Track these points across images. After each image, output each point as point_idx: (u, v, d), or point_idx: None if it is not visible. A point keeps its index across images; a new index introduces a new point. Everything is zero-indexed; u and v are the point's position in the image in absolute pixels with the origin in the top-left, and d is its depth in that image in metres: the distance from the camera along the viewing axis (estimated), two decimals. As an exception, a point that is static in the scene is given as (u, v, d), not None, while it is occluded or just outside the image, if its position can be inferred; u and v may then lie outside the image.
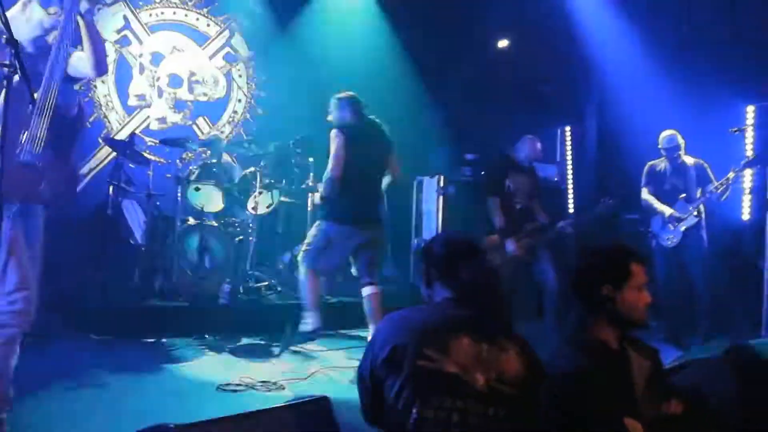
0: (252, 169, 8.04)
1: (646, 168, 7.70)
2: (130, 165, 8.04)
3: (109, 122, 9.22)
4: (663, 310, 7.30)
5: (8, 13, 3.38)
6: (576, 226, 7.19)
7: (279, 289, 8.12)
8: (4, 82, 2.81)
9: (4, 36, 2.79)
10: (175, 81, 9.64)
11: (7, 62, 2.79)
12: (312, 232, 6.31)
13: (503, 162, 7.24)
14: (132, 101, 9.39)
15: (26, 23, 3.53)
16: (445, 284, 2.83)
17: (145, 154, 8.34)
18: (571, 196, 9.72)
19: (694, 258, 7.33)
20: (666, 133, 7.53)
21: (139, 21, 9.41)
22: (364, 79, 9.43)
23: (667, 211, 7.38)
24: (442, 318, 2.69)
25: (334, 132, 6.09)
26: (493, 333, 2.65)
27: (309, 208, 8.50)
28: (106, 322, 6.75)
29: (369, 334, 5.93)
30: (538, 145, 7.30)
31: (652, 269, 7.29)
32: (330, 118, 6.30)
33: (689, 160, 7.49)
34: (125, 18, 9.33)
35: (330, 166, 6.02)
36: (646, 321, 3.12)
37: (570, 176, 9.82)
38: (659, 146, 7.57)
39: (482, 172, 8.30)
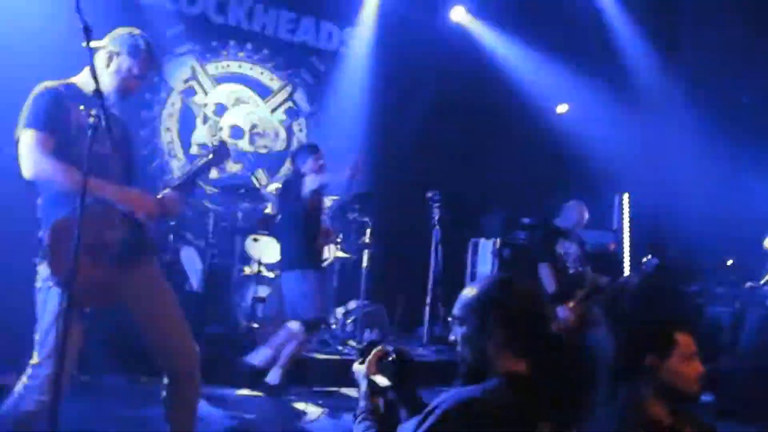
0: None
1: None
2: (189, 213, 8.13)
3: (171, 169, 9.40)
4: (735, 381, 7.05)
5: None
6: (641, 277, 7.05)
7: (330, 343, 8.06)
8: (90, 131, 2.91)
9: (93, 88, 2.92)
10: (236, 132, 9.82)
11: (94, 112, 2.91)
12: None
13: (551, 229, 7.28)
14: (194, 150, 9.56)
15: (112, 75, 3.64)
16: (518, 353, 2.28)
17: (205, 203, 8.46)
18: (627, 264, 9.61)
19: None
20: None
21: (205, 72, 9.65)
22: (419, 140, 9.86)
23: None
24: (523, 402, 2.19)
25: None
26: (568, 421, 2.28)
27: (364, 264, 8.50)
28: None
29: None
30: (585, 211, 7.27)
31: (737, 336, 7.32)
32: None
33: None
34: (192, 69, 9.56)
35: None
36: (697, 393, 2.96)
37: (626, 244, 9.74)
38: None
39: (532, 240, 8.34)
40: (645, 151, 9.70)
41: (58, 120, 3.38)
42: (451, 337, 2.43)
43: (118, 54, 3.61)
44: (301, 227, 6.49)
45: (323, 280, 6.93)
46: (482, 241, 9.30)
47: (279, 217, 7.00)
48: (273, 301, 7.82)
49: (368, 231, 8.43)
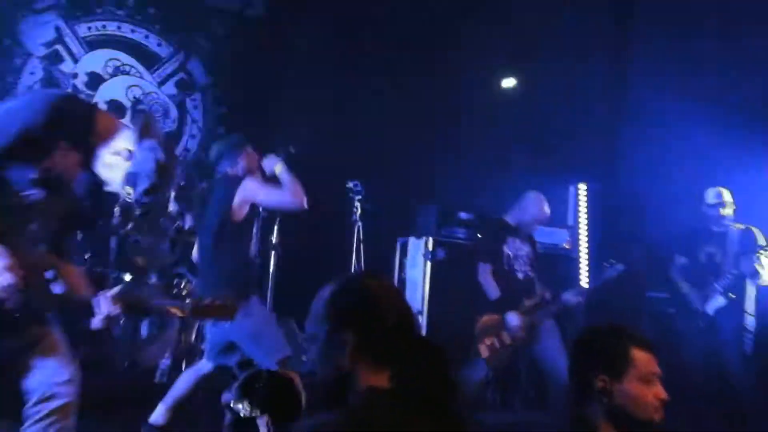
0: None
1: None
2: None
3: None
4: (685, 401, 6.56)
5: None
6: (584, 296, 6.77)
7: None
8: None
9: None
10: (116, 109, 8.73)
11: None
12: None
13: (501, 226, 6.94)
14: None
15: None
16: (377, 363, 2.12)
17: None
18: (584, 265, 9.02)
19: (728, 343, 6.90)
20: (711, 190, 7.16)
21: (74, 34, 8.83)
22: (343, 124, 9.34)
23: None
24: (385, 420, 2.01)
25: None
26: None
27: (271, 269, 7.75)
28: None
29: None
30: (546, 205, 6.92)
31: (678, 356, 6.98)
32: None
33: (736, 227, 7.02)
34: (57, 29, 8.72)
35: None
36: (657, 421, 2.77)
37: (584, 243, 9.17)
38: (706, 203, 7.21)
39: (478, 236, 7.84)
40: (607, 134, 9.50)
41: None
42: (304, 358, 2.05)
43: None
44: (242, 244, 5.59)
45: None
46: (412, 239, 8.54)
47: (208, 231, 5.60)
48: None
49: (275, 229, 7.76)
